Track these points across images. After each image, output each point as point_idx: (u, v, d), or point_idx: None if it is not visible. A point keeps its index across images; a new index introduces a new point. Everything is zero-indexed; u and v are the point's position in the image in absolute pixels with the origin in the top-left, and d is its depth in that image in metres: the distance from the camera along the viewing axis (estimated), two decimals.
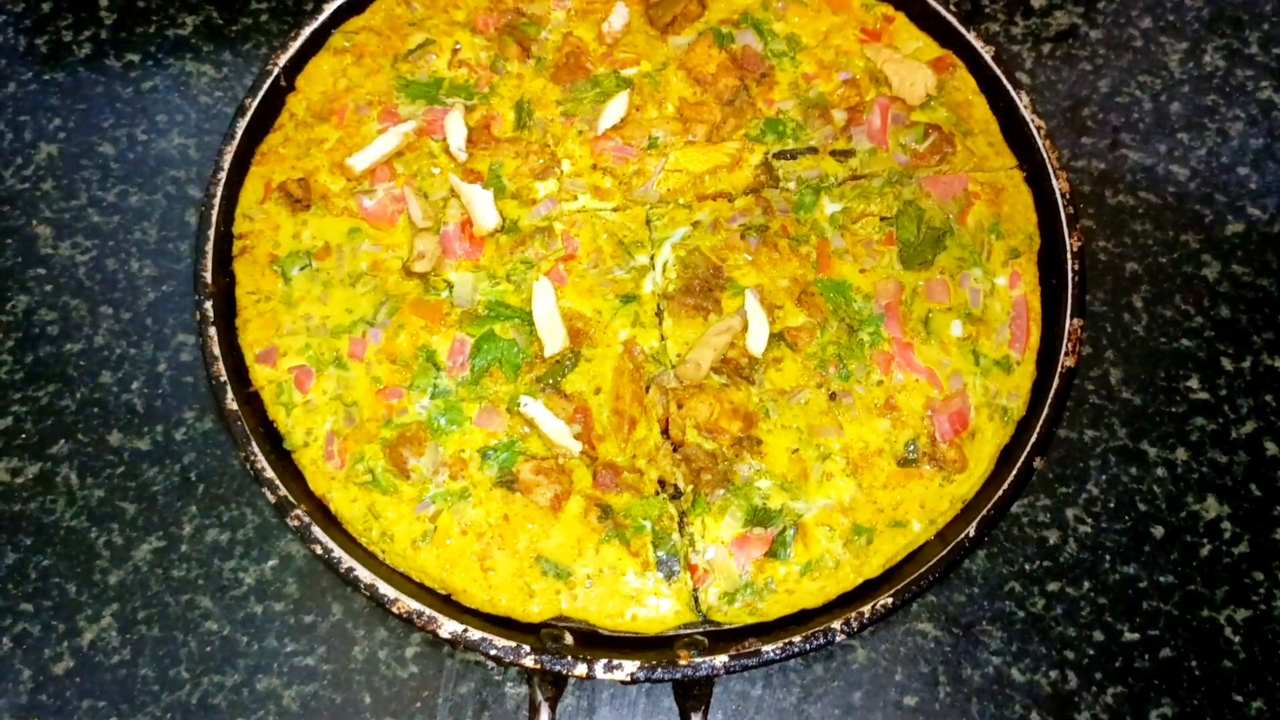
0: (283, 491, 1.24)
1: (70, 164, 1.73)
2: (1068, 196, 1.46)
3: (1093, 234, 1.71)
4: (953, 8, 1.61)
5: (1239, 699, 1.42)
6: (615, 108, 1.52)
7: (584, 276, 1.44)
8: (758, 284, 1.43)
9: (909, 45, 1.61)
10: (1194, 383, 1.61)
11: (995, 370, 1.40)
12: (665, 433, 1.38)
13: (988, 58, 1.57)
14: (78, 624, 1.42)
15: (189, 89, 1.80)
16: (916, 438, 1.36)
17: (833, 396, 1.38)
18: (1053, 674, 1.43)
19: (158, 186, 1.72)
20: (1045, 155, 1.49)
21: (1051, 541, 1.50)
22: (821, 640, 1.20)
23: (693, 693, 1.24)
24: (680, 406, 1.35)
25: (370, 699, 1.39)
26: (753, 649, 1.19)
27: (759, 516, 1.31)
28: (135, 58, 1.83)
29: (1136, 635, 1.45)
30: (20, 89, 1.79)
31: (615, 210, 1.50)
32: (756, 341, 1.39)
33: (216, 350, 1.32)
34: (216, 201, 1.40)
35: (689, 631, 1.28)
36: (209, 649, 1.41)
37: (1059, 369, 1.37)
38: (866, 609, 1.22)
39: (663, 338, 1.42)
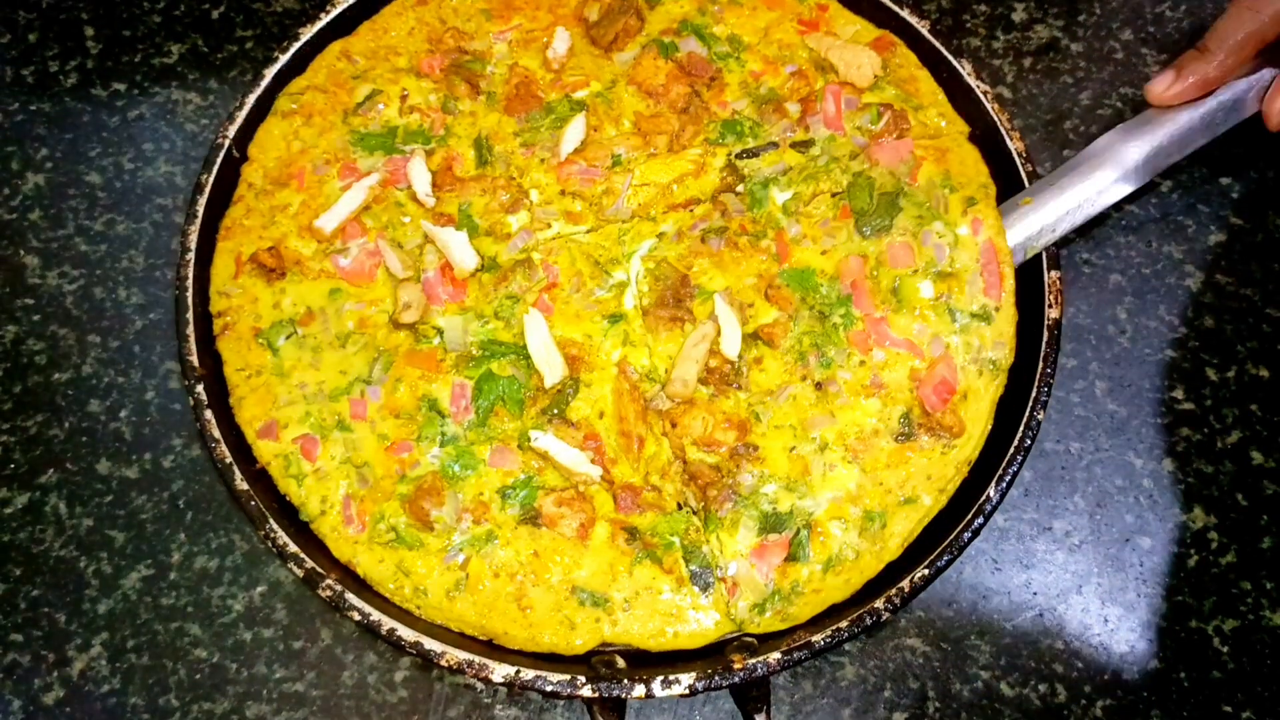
0: (310, 564, 1.25)
1: (57, 193, 1.75)
2: (1024, 155, 1.52)
3: (1075, 246, 1.72)
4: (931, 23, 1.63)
5: (1229, 710, 1.43)
6: (573, 131, 1.55)
7: (569, 302, 1.47)
8: (725, 286, 1.46)
9: (847, 30, 1.67)
10: (1179, 393, 1.63)
11: (975, 323, 1.41)
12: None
13: (924, 31, 1.63)
14: (67, 653, 1.44)
15: (175, 117, 1.82)
16: (908, 411, 1.38)
17: (818, 386, 1.39)
18: (1042, 688, 1.44)
19: (145, 214, 1.74)
20: (996, 118, 1.55)
21: (1039, 554, 1.51)
22: (868, 622, 1.24)
23: (751, 694, 1.27)
24: (674, 425, 1.37)
25: None
26: (803, 641, 1.23)
27: (771, 522, 1.33)
28: (121, 86, 1.85)
29: (1125, 647, 1.46)
30: (7, 119, 1.82)
31: (589, 232, 1.54)
32: (730, 344, 1.41)
33: (216, 433, 1.32)
34: (189, 284, 1.42)
35: (735, 636, 1.31)
36: (198, 676, 1.42)
37: (1045, 322, 1.42)
38: (906, 583, 1.26)
39: (650, 356, 1.45)
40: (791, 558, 1.31)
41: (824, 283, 1.44)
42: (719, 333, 1.41)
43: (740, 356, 1.41)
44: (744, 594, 1.30)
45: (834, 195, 1.50)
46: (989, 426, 1.38)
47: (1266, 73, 1.54)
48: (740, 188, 1.53)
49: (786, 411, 1.38)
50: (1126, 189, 1.52)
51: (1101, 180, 1.50)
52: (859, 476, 1.35)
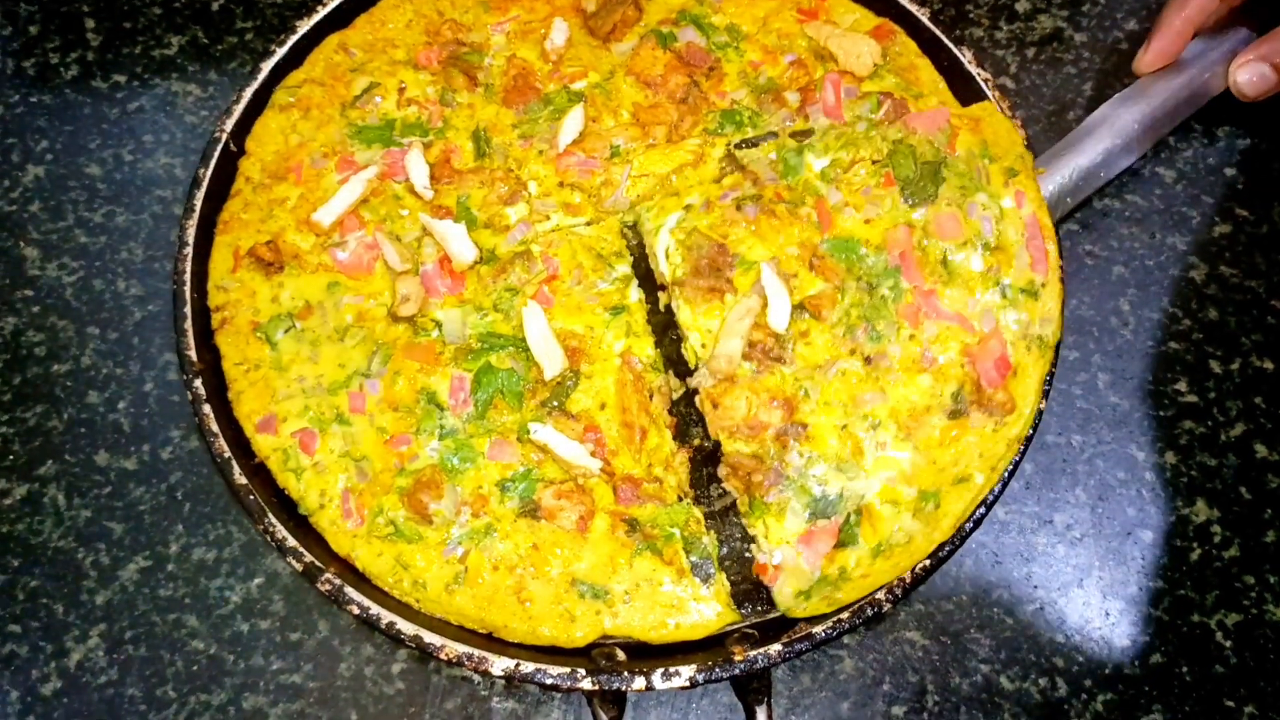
0: (308, 558, 1.26)
1: (58, 185, 1.75)
2: (1027, 143, 1.50)
3: (1079, 237, 1.71)
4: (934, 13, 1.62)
5: (1230, 704, 1.43)
6: (572, 123, 1.55)
7: (569, 295, 1.46)
8: (767, 256, 1.40)
9: (846, 18, 1.66)
10: (1182, 385, 1.61)
11: (1023, 299, 1.36)
12: (677, 438, 1.41)
13: (925, 19, 1.63)
14: (65, 644, 1.44)
15: (175, 108, 1.83)
16: (961, 386, 1.33)
17: (868, 361, 1.34)
18: (1042, 681, 1.43)
19: (144, 206, 1.74)
20: (997, 105, 1.54)
21: (1040, 547, 1.50)
22: (870, 613, 1.24)
23: (751, 686, 1.27)
24: (716, 406, 1.33)
25: (357, 716, 1.41)
26: (804, 634, 1.23)
27: (820, 507, 1.29)
28: (122, 78, 1.85)
29: (1126, 641, 1.45)
30: (8, 111, 1.83)
31: (589, 224, 1.54)
32: (779, 317, 1.35)
33: (215, 427, 1.33)
34: (187, 277, 1.42)
35: (736, 627, 1.31)
36: (196, 668, 1.43)
37: None
38: (907, 574, 1.26)
39: (656, 345, 1.45)
40: (841, 544, 1.27)
41: (871, 253, 1.39)
42: (764, 305, 1.36)
43: (787, 329, 1.36)
44: (788, 581, 1.27)
45: (874, 163, 1.44)
46: (1039, 404, 1.34)
47: (1244, 32, 1.56)
48: (773, 154, 1.48)
49: (835, 388, 1.33)
50: (1130, 158, 1.53)
51: (1105, 149, 1.50)
52: (913, 455, 1.30)
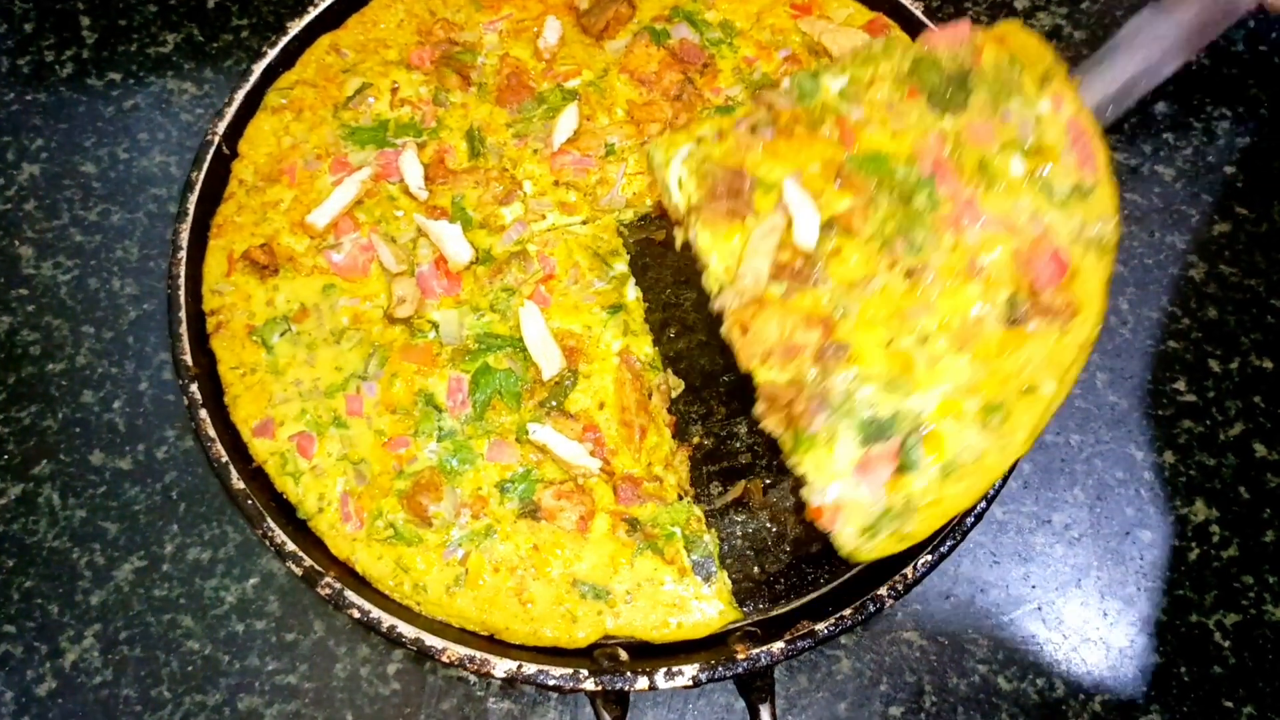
0: (308, 562, 1.25)
1: (52, 184, 1.75)
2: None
3: None
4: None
5: (1229, 705, 1.42)
6: (566, 121, 1.55)
7: (566, 294, 1.46)
8: (789, 173, 1.30)
9: (840, 13, 1.66)
10: (1181, 385, 1.61)
11: (1073, 200, 1.27)
12: (677, 436, 1.41)
13: (918, 13, 1.62)
14: (60, 645, 1.44)
15: (170, 106, 1.82)
16: (1015, 293, 1.23)
17: (910, 274, 1.24)
18: (1040, 681, 1.43)
19: (139, 205, 1.73)
20: None
21: (1038, 547, 1.49)
22: (871, 609, 1.23)
23: (754, 685, 1.26)
24: (745, 332, 1.23)
25: (352, 717, 1.40)
26: (806, 630, 1.22)
27: (874, 430, 1.18)
28: (117, 76, 1.85)
29: (1125, 641, 1.44)
30: (3, 109, 1.83)
31: (585, 223, 1.53)
32: (807, 232, 1.25)
33: (212, 432, 1.32)
34: (181, 281, 1.41)
35: (738, 626, 1.31)
36: (191, 668, 1.42)
37: None
38: (909, 569, 1.25)
39: (655, 343, 1.44)
40: (902, 468, 1.17)
41: (901, 165, 1.29)
42: (790, 224, 1.26)
43: (816, 247, 1.26)
44: (849, 519, 1.17)
45: (896, 80, 1.35)
46: (1104, 308, 1.24)
47: None
48: (786, 82, 1.39)
49: (876, 304, 1.23)
50: (1170, 68, 1.43)
51: (1144, 57, 1.42)
52: (971, 366, 1.19)
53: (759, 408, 1.24)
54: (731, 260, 1.27)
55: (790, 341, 1.21)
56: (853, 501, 1.17)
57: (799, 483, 1.21)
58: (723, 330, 1.27)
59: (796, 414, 1.19)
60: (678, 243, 1.38)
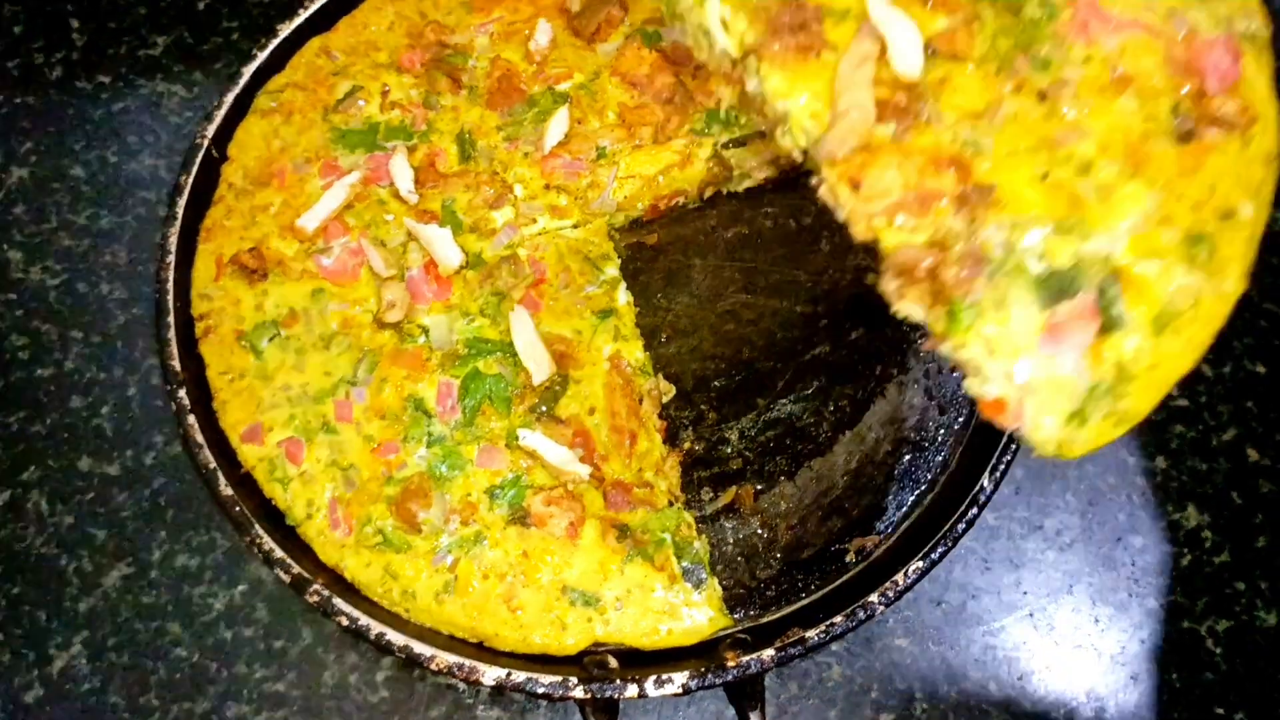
0: (296, 569, 1.24)
1: (41, 187, 1.75)
2: None
3: None
4: None
5: (1221, 711, 1.42)
6: (557, 124, 1.54)
7: (557, 299, 1.45)
8: None
9: None
10: (1173, 389, 1.59)
11: None
12: (667, 442, 1.40)
13: None
14: (48, 652, 1.43)
15: (160, 109, 1.82)
16: (1177, 103, 1.02)
17: (1043, 96, 1.02)
18: (1031, 689, 1.46)
19: (128, 208, 1.73)
20: None
21: (1029, 553, 1.49)
22: (862, 616, 1.22)
23: (745, 692, 1.26)
24: (857, 187, 1.01)
25: None
26: (797, 637, 1.22)
27: (1055, 286, 0.96)
28: (106, 79, 1.85)
29: (1116, 648, 1.44)
30: None
31: (576, 227, 1.53)
32: (908, 57, 1.03)
33: (200, 438, 1.31)
34: (170, 286, 1.40)
35: (729, 633, 1.30)
36: (179, 676, 1.42)
37: None
38: (900, 576, 1.24)
39: (645, 348, 1.42)
40: (1105, 327, 0.96)
41: None
42: (884, 49, 1.03)
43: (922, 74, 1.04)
44: (1047, 403, 0.96)
45: None
46: (1277, 115, 1.04)
47: None
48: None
49: (1013, 134, 1.01)
50: None
51: None
52: (1151, 192, 0.98)
53: (891, 285, 1.02)
54: (819, 103, 1.04)
55: (921, 188, 0.99)
56: (1048, 380, 0.96)
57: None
58: (823, 191, 1.05)
59: (947, 282, 0.97)
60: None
